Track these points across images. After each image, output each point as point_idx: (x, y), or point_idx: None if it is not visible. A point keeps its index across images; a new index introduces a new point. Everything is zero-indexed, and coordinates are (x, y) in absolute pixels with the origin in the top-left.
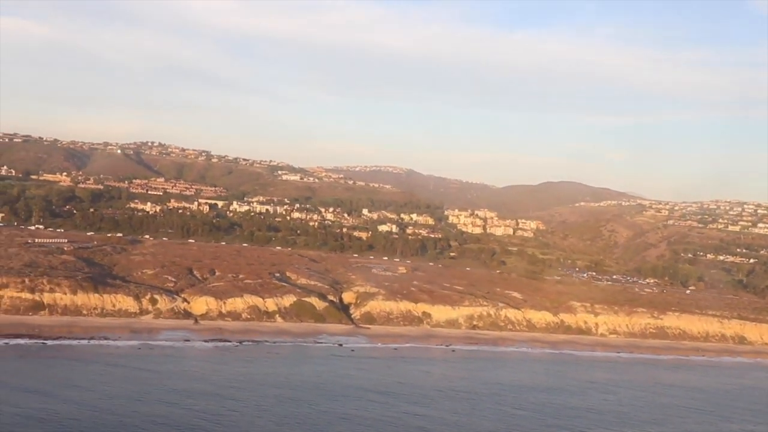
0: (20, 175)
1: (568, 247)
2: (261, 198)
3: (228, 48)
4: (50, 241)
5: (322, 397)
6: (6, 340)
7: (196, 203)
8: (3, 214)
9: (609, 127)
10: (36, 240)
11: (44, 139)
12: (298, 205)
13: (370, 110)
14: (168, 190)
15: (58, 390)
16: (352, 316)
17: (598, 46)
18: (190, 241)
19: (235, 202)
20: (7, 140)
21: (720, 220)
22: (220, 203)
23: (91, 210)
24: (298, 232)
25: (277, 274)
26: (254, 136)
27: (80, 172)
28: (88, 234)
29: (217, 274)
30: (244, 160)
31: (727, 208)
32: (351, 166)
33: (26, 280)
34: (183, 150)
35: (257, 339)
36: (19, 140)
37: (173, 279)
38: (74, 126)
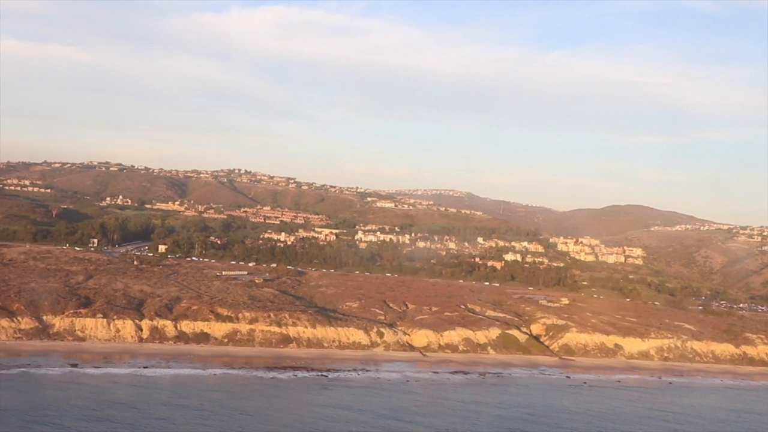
0: (136, 205)
1: (676, 274)
2: (373, 226)
3: (264, 72)
4: (234, 273)
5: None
6: (293, 373)
7: (323, 233)
8: (167, 246)
9: (643, 147)
10: (222, 273)
11: (134, 166)
12: (420, 234)
13: (406, 132)
14: (281, 219)
15: (409, 416)
16: (551, 347)
17: (634, 65)
18: (355, 272)
19: (360, 232)
20: (104, 169)
21: None
22: (333, 232)
23: (244, 241)
24: (433, 261)
25: (463, 306)
26: (294, 159)
27: (184, 200)
28: (250, 265)
29: (410, 306)
30: (332, 187)
31: None
32: (412, 189)
33: (271, 314)
34: (271, 177)
35: (492, 371)
36: (115, 169)
37: (381, 312)
38: (111, 149)
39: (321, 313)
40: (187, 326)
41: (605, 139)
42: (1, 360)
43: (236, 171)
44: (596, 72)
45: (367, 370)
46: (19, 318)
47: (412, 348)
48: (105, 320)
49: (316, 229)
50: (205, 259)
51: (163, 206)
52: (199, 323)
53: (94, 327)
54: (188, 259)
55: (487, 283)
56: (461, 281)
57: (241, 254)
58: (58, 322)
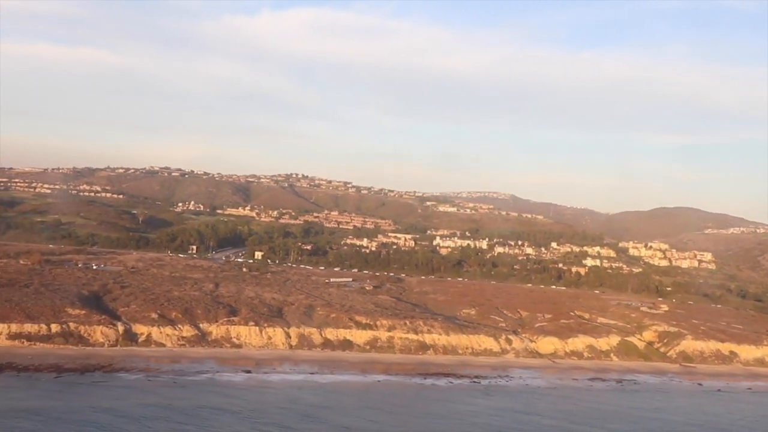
0: (208, 210)
1: (748, 278)
2: (445, 231)
3: (294, 73)
4: (341, 280)
5: None
6: (447, 380)
7: (402, 239)
8: (263, 252)
9: (677, 147)
10: (331, 280)
11: (194, 171)
12: (496, 240)
13: (437, 133)
14: (351, 224)
15: (592, 421)
16: (667, 354)
17: (669, 64)
18: (448, 278)
19: (438, 238)
20: (166, 174)
21: None
22: (409, 237)
23: (332, 247)
24: (516, 266)
25: (572, 313)
26: (325, 161)
27: (254, 206)
28: (353, 271)
29: (524, 314)
30: (390, 191)
31: None
32: (456, 192)
33: (407, 322)
34: (329, 182)
35: (625, 378)
36: (177, 174)
37: (500, 319)
38: (150, 152)
39: (449, 320)
40: (330, 333)
41: (638, 139)
42: (184, 366)
43: (294, 175)
44: (628, 71)
45: (511, 377)
46: (180, 326)
47: (539, 355)
48: (257, 328)
49: (389, 234)
50: (302, 266)
51: (234, 211)
52: (341, 330)
53: (248, 334)
54: (285, 265)
55: (576, 288)
56: (553, 287)
57: (335, 261)
58: (215, 330)
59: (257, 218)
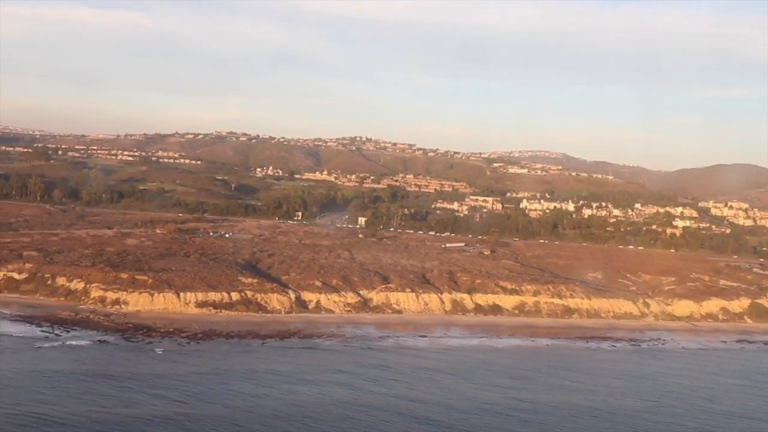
0: (286, 175)
1: None
2: (525, 194)
3: (328, 33)
4: (456, 245)
5: None
6: (610, 343)
7: (490, 202)
8: (366, 218)
9: (718, 101)
10: (446, 245)
11: (259, 136)
12: (582, 202)
13: (470, 91)
14: (431, 188)
15: None
16: None
17: (706, 17)
18: (555, 242)
19: (525, 200)
20: (234, 139)
21: None
22: (491, 199)
23: (428, 212)
24: (609, 228)
25: (693, 275)
26: (361, 121)
27: (331, 170)
28: (455, 236)
29: (646, 277)
30: (455, 152)
31: None
32: (508, 152)
33: (550, 287)
34: (394, 144)
35: None
36: (244, 139)
37: (630, 282)
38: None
39: (585, 285)
40: (480, 299)
41: (676, 93)
42: (364, 331)
43: (359, 138)
44: (668, 24)
45: (663, 339)
46: (343, 293)
47: (676, 318)
48: (414, 294)
49: (470, 197)
50: (408, 231)
51: (311, 176)
52: (490, 296)
53: (406, 300)
54: (390, 230)
55: (676, 251)
56: (658, 250)
57: (436, 226)
58: (375, 297)
59: (337, 182)
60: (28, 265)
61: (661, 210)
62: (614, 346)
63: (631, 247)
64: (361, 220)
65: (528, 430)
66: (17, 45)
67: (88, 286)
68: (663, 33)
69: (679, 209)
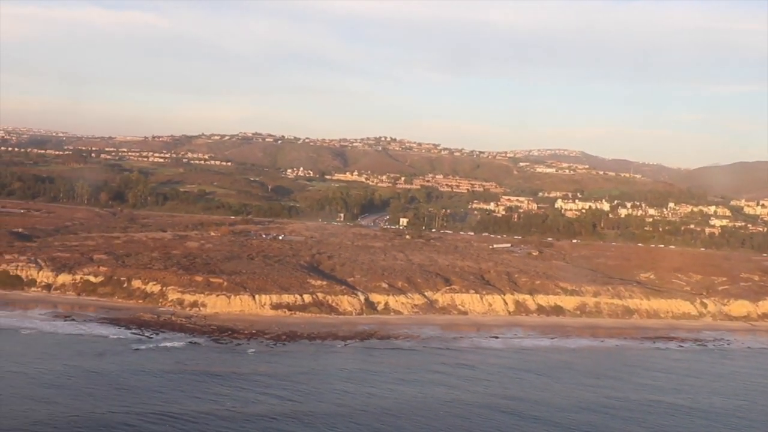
0: (317, 176)
1: None
2: (557, 194)
3: (339, 31)
4: (502, 246)
5: None
6: (677, 343)
7: (525, 202)
8: (408, 219)
9: (732, 97)
10: (493, 246)
11: (284, 136)
12: (617, 201)
13: (484, 89)
14: (462, 188)
15: None
16: None
17: (722, 12)
18: (597, 242)
19: (560, 200)
20: (260, 140)
21: None
22: (526, 199)
23: (467, 213)
24: (647, 228)
25: (742, 275)
26: (380, 120)
27: (362, 171)
28: (495, 237)
29: (696, 277)
30: (480, 152)
31: None
32: (527, 150)
33: (610, 288)
34: (419, 144)
35: None
36: (270, 140)
37: (683, 282)
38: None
39: (639, 284)
40: (542, 300)
41: (693, 89)
42: (437, 333)
43: (384, 138)
44: (683, 19)
45: (727, 340)
46: (410, 295)
47: (733, 318)
48: (477, 295)
49: (502, 197)
50: (448, 232)
51: (342, 177)
52: (551, 297)
53: (470, 302)
54: (432, 231)
55: (716, 250)
56: (702, 249)
57: (477, 226)
58: (440, 298)
59: (369, 183)
60: (102, 269)
61: (695, 209)
62: (681, 346)
63: (672, 247)
64: (403, 221)
65: (634, 428)
66: (31, 46)
67: (164, 288)
68: (673, 29)
69: (713, 208)
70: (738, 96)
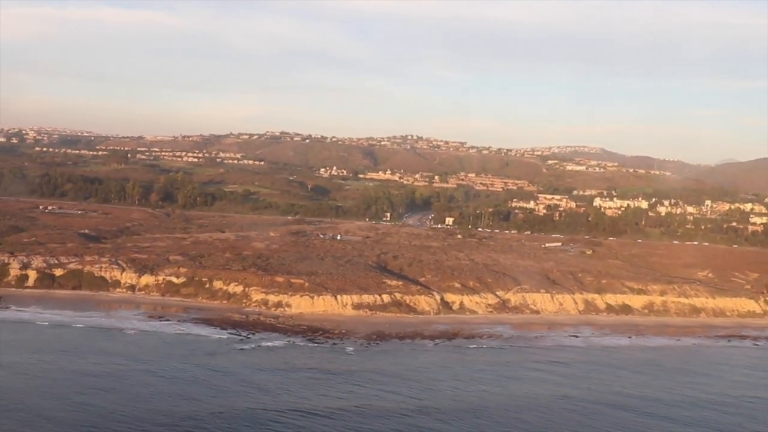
0: (350, 175)
1: None
2: (593, 191)
3: (353, 29)
4: (553, 245)
5: None
6: (752, 341)
7: (563, 201)
8: (453, 218)
9: (742, 92)
10: (545, 245)
11: (311, 135)
12: (655, 199)
13: (496, 85)
14: (497, 187)
15: None
16: None
17: (739, 6)
18: (642, 240)
19: (598, 198)
20: (288, 139)
21: None
22: (564, 198)
23: (511, 211)
24: (689, 226)
25: None
26: (397, 118)
27: (395, 170)
28: (542, 236)
29: (753, 275)
30: (508, 150)
31: None
32: (546, 147)
33: (675, 287)
34: (446, 142)
35: None
36: (298, 139)
37: (742, 281)
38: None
39: (704, 284)
40: (610, 299)
41: (705, 84)
42: (516, 332)
43: (410, 137)
44: (694, 15)
45: None
46: (483, 294)
47: None
48: (548, 295)
49: (539, 195)
50: (496, 230)
51: (375, 175)
52: (619, 296)
53: (542, 301)
54: (479, 230)
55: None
56: (749, 247)
57: (523, 225)
58: (512, 297)
59: (403, 182)
60: (182, 270)
61: (732, 207)
62: (757, 344)
63: (720, 246)
64: (449, 220)
65: (747, 423)
66: (50, 46)
67: (246, 289)
68: (686, 23)
69: (749, 206)
70: (754, 91)
